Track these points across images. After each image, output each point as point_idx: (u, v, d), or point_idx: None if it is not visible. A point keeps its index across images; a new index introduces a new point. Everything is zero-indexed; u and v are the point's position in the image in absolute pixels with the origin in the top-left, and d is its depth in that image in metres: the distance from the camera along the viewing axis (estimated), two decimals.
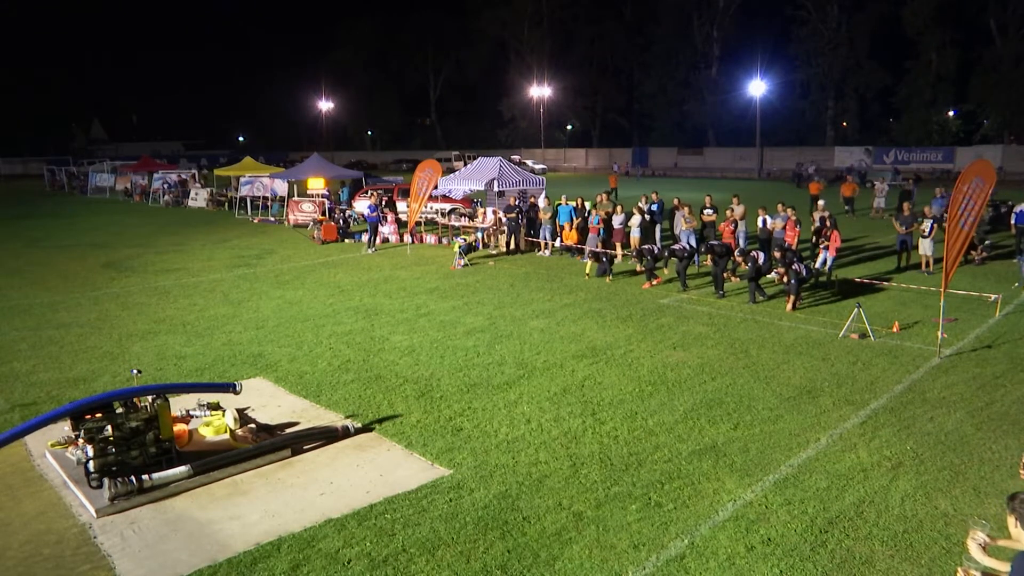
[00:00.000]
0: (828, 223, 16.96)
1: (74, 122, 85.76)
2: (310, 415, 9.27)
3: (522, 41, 78.37)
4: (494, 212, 23.11)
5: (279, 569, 6.06)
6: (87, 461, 7.24)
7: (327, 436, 8.49)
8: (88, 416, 7.25)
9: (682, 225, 19.00)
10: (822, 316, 13.67)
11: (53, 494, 7.40)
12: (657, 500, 7.04)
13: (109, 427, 7.30)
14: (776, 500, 6.99)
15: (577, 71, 74.40)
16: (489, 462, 7.89)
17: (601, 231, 19.73)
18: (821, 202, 19.67)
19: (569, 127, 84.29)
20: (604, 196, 22.05)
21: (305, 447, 8.28)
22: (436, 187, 24.93)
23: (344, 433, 8.58)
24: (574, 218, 20.80)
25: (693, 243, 18.75)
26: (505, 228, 21.85)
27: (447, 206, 26.76)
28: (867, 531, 6.45)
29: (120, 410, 7.39)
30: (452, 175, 26.95)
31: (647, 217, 20.24)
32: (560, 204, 21.51)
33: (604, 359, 11.33)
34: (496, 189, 23.83)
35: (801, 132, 67.31)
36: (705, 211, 19.62)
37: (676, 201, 20.31)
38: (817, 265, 16.31)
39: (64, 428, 8.10)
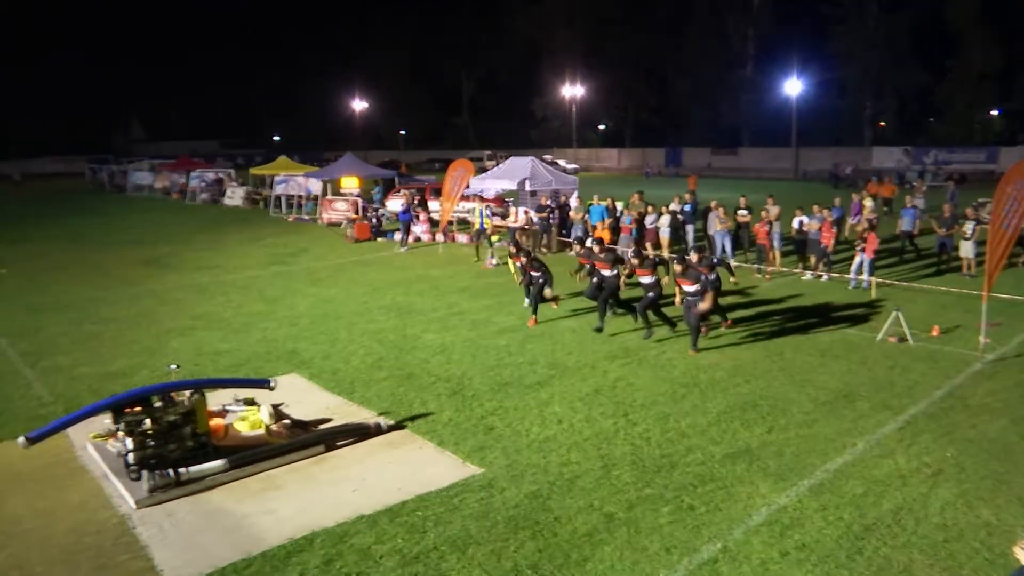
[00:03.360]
0: (866, 224, 16.69)
1: (114, 121, 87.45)
2: (343, 412, 9.35)
3: (555, 40, 78.19)
4: (526, 212, 23.10)
5: (312, 564, 6.13)
6: (127, 453, 7.37)
7: (360, 433, 8.57)
8: (128, 410, 7.39)
9: (716, 226, 18.81)
10: (859, 319, 13.45)
11: (94, 485, 7.57)
12: (690, 503, 6.98)
13: (148, 421, 7.43)
14: (811, 505, 6.90)
15: (610, 70, 73.99)
16: (520, 461, 7.89)
17: (634, 231, 19.62)
18: (869, 203, 19.29)
19: (602, 127, 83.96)
20: (637, 196, 21.92)
21: (338, 443, 8.35)
22: (468, 186, 25.03)
23: (376, 430, 8.64)
24: (606, 218, 20.71)
25: (728, 245, 18.54)
26: (537, 227, 21.83)
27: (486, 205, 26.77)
28: (905, 539, 6.33)
29: (158, 404, 7.52)
30: (484, 174, 27.01)
31: (679, 217, 20.10)
32: (592, 204, 21.43)
33: (636, 360, 11.27)
34: (528, 189, 23.82)
35: (838, 132, 66.22)
36: (739, 212, 19.40)
37: (713, 203, 20.11)
38: (853, 268, 16.05)
39: (105, 421, 8.25)
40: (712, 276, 11.96)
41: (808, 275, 17.08)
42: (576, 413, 9.20)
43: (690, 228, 20.37)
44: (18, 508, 7.11)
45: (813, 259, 17.21)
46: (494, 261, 19.50)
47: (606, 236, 20.40)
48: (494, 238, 21.12)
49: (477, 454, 8.07)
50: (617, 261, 12.95)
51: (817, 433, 8.50)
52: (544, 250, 21.43)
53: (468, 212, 26.29)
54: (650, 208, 20.31)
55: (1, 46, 74.07)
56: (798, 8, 65.83)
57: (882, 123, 67.07)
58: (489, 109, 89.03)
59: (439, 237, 23.24)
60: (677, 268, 11.65)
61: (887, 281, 15.64)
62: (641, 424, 8.83)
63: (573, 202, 22.95)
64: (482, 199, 26.30)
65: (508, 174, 24.98)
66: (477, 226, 20.88)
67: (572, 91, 70.98)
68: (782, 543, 6.29)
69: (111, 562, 6.20)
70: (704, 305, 11.44)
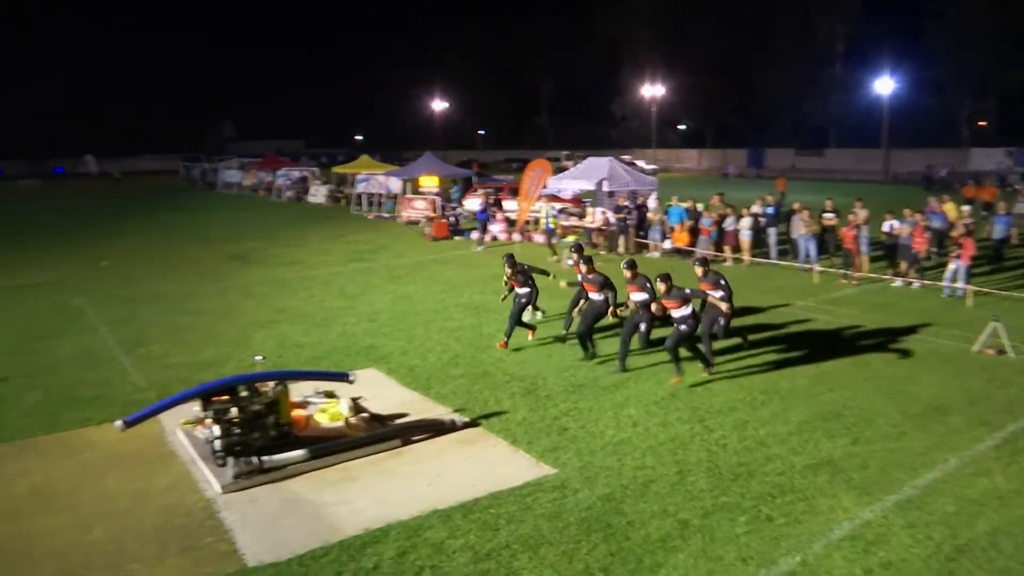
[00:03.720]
0: (963, 230, 15.90)
1: (208, 122, 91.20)
2: (419, 407, 9.49)
3: (636, 40, 77.37)
4: (603, 213, 22.95)
5: (387, 555, 6.24)
6: (214, 440, 7.68)
7: (435, 429, 8.68)
8: (215, 398, 7.70)
9: (800, 229, 18.26)
10: (953, 329, 12.82)
11: (183, 469, 7.90)
12: (768, 513, 6.80)
13: (234, 409, 7.72)
14: (897, 522, 6.61)
15: (691, 69, 72.67)
16: (594, 463, 7.84)
17: (713, 234, 19.24)
18: (966, 208, 18.35)
19: (682, 127, 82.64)
20: (717, 198, 21.49)
21: (414, 438, 8.49)
22: (546, 186, 25.05)
23: (451, 427, 8.74)
24: (685, 220, 20.39)
25: (813, 250, 17.97)
26: (614, 228, 21.68)
27: (556, 205, 26.76)
28: (1003, 564, 6.00)
29: (244, 394, 7.81)
30: (562, 174, 26.96)
31: (761, 220, 19.60)
32: (671, 205, 21.13)
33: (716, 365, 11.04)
34: (606, 189, 23.66)
35: (932, 132, 63.21)
36: (825, 215, 18.79)
37: (796, 205, 19.54)
38: (947, 276, 15.32)
39: (194, 408, 8.60)
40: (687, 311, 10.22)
41: (898, 282, 16.40)
42: (651, 417, 9.09)
43: (772, 231, 19.84)
44: (114, 487, 7.49)
45: (904, 265, 16.50)
46: (569, 262, 19.43)
47: (684, 238, 20.14)
48: (570, 238, 21.08)
49: (551, 454, 8.07)
50: (606, 286, 11.05)
51: (905, 447, 8.15)
52: (621, 252, 21.25)
53: (560, 213, 26.33)
54: (730, 210, 19.89)
55: (102, 49, 78.17)
56: (890, 4, 63.26)
57: (982, 123, 63.70)
58: (568, 109, 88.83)
59: (516, 236, 23.33)
60: (660, 287, 10.19)
61: (984, 290, 14.86)
62: (718, 431, 8.65)
63: (651, 203, 22.67)
64: (558, 199, 26.36)
65: (586, 174, 24.87)
66: (543, 226, 20.83)
67: (652, 91, 70.09)
68: (865, 560, 6.06)
69: (197, 544, 6.46)
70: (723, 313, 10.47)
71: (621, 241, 21.48)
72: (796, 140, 70.00)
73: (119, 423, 7.55)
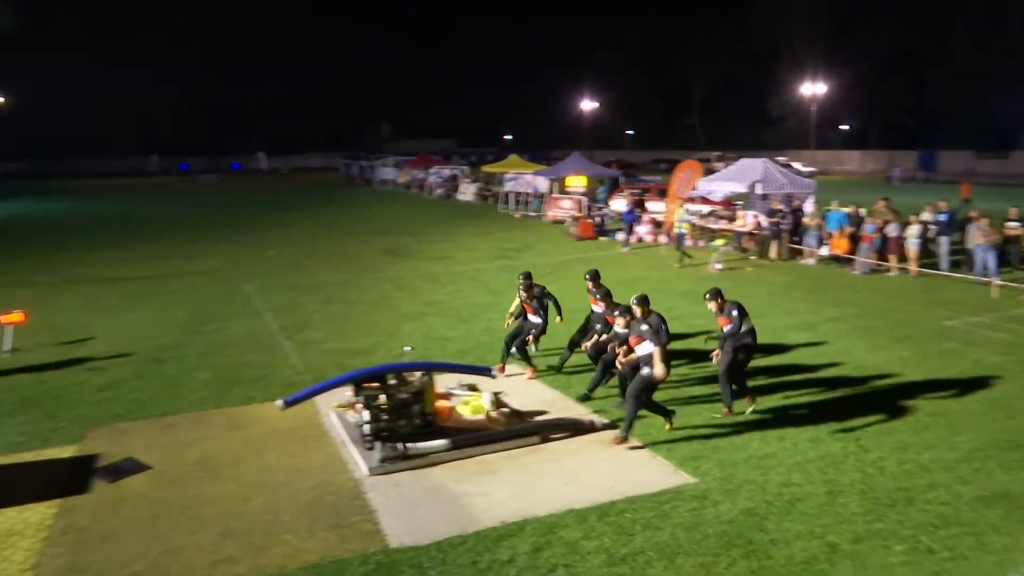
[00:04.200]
0: None
1: (367, 122, 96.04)
2: (559, 406, 9.53)
3: (796, 35, 73.84)
4: (754, 216, 22.10)
5: (521, 549, 6.31)
6: (363, 424, 8.07)
7: (574, 428, 8.69)
8: (366, 384, 8.08)
9: (978, 239, 16.76)
10: None
11: (334, 450, 8.35)
12: (928, 545, 6.29)
13: (383, 396, 8.08)
14: None
15: (856, 66, 68.38)
16: (736, 476, 7.56)
17: (876, 241, 18.05)
18: None
19: (845, 127, 78.06)
20: (883, 203, 20.14)
21: (552, 436, 8.53)
22: (695, 188, 24.44)
23: (590, 427, 8.71)
24: (844, 226, 19.26)
25: (992, 262, 16.45)
26: (766, 233, 20.81)
27: (705, 208, 26.08)
28: None
29: (393, 382, 8.15)
30: (712, 176, 26.21)
31: (933, 228, 18.17)
32: (830, 210, 20.02)
33: (873, 382, 10.36)
34: (759, 192, 22.77)
35: None
36: (1009, 224, 17.14)
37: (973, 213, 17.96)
38: None
39: (346, 393, 9.07)
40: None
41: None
42: (801, 432, 8.65)
43: (944, 240, 18.34)
44: (273, 462, 8.04)
45: None
46: (718, 266, 18.89)
47: (843, 245, 19.03)
48: (719, 242, 20.46)
49: (691, 463, 7.86)
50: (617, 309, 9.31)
51: None
52: (772, 258, 20.37)
53: (693, 214, 25.68)
54: (895, 216, 18.57)
55: (276, 57, 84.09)
56: None
57: None
58: (720, 108, 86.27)
59: (662, 239, 22.93)
60: (619, 321, 8.93)
61: None
62: (875, 451, 8.10)
63: (808, 207, 21.57)
64: (708, 201, 25.64)
65: (738, 176, 24.03)
66: (676, 230, 20.23)
67: (812, 89, 66.61)
68: None
69: (345, 521, 6.81)
70: (658, 371, 8.16)
71: (773, 247, 20.59)
72: (977, 142, 64.16)
73: (279, 403, 8.11)
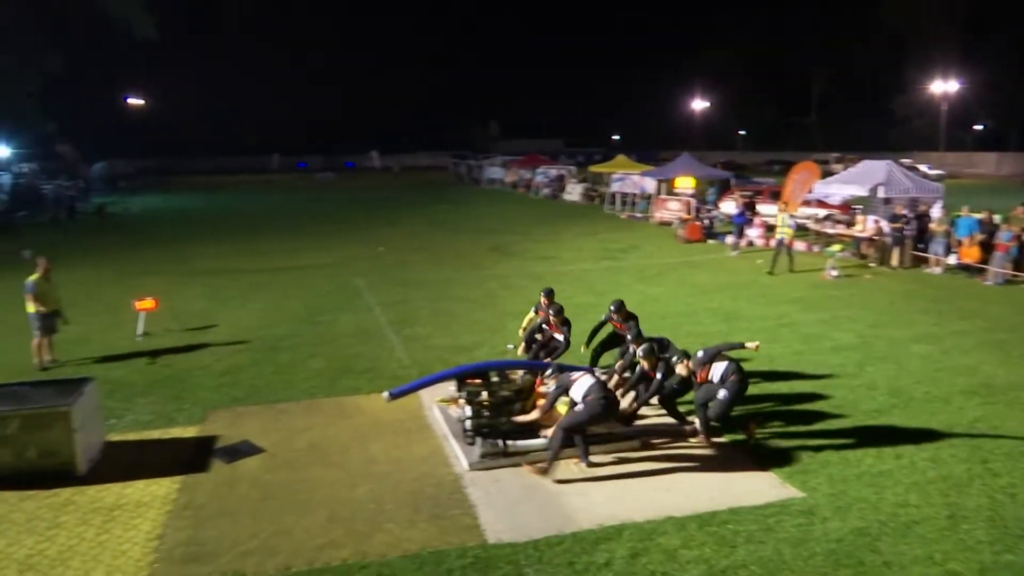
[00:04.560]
0: None
1: (476, 122, 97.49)
2: (659, 410, 9.36)
3: (927, 30, 69.59)
4: (875, 221, 21.01)
5: (619, 554, 6.24)
6: (465, 420, 8.19)
7: (675, 434, 8.52)
8: (469, 381, 8.21)
9: None
10: None
11: (436, 443, 8.52)
12: None
13: (485, 393, 8.18)
14: None
15: (994, 62, 63.70)
16: (848, 492, 7.22)
17: (1012, 250, 16.81)
18: None
19: (979, 127, 73.00)
20: (1021, 209, 18.73)
21: (652, 440, 8.40)
22: (811, 191, 23.49)
23: (691, 433, 8.52)
24: (975, 233, 18.02)
25: None
26: (888, 239, 19.75)
27: (822, 211, 25.04)
28: None
29: (495, 379, 8.24)
30: (831, 178, 25.13)
31: None
32: (960, 216, 18.79)
33: (1003, 400, 9.65)
34: (881, 195, 21.63)
35: None
36: None
37: None
38: None
39: (449, 388, 9.24)
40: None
41: None
42: (920, 450, 8.16)
43: None
44: (378, 452, 8.28)
45: None
46: (834, 272, 18.07)
47: (974, 254, 17.86)
48: (835, 247, 19.58)
49: (799, 476, 7.56)
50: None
51: None
52: (894, 265, 19.31)
53: (806, 219, 24.72)
54: None
55: (389, 58, 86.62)
56: None
57: None
58: (839, 108, 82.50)
59: (774, 243, 22.13)
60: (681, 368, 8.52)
61: None
62: (1005, 476, 7.54)
63: (935, 212, 20.31)
64: (825, 204, 24.62)
65: (859, 179, 22.93)
66: (778, 235, 19.27)
67: (943, 87, 62.60)
68: None
69: (445, 513, 6.94)
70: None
71: (895, 254, 19.50)
72: None
73: (386, 395, 8.35)
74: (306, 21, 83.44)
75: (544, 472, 7.60)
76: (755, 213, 25.54)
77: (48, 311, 11.49)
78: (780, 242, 19.02)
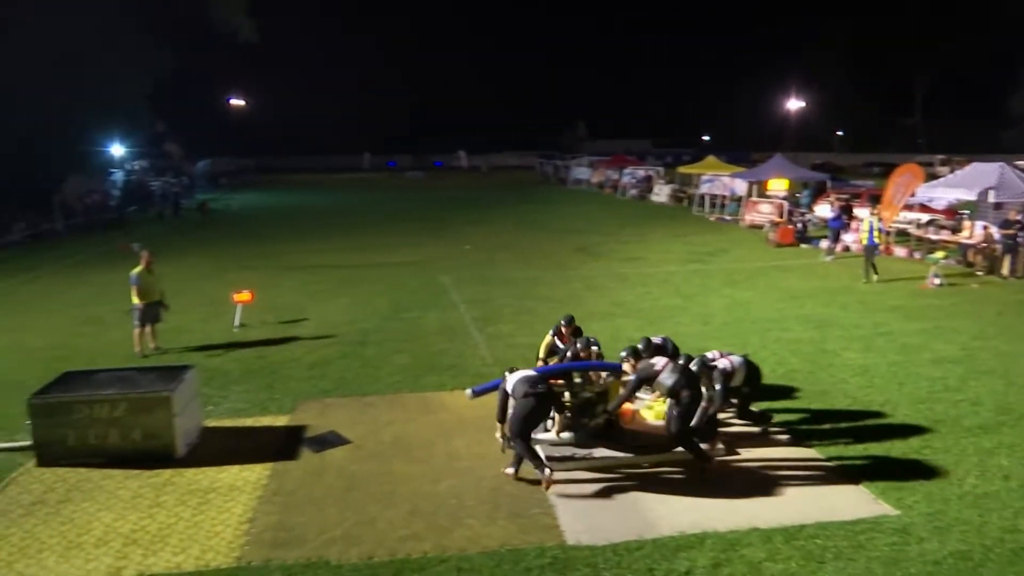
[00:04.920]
0: None
1: (564, 122, 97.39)
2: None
3: None
4: (985, 227, 19.84)
5: (700, 563, 6.11)
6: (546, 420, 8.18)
7: (760, 442, 8.28)
8: (552, 381, 8.18)
9: None
10: None
11: None
12: None
13: (567, 394, 8.15)
14: None
15: None
16: (948, 513, 6.84)
17: None
18: None
19: None
20: None
21: (739, 450, 8.19)
22: (914, 194, 22.41)
23: (776, 442, 8.26)
24: None
25: None
26: (998, 247, 18.62)
27: (925, 216, 23.84)
28: None
29: (578, 381, 8.20)
30: (936, 182, 23.88)
31: None
32: None
33: None
34: (992, 200, 20.40)
35: None
36: None
37: None
38: None
39: None
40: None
41: None
42: None
43: None
44: (460, 448, 8.37)
45: None
46: (937, 280, 17.18)
47: None
48: (939, 254, 18.62)
49: (893, 493, 7.22)
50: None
51: None
52: (1004, 274, 18.20)
53: (909, 223, 23.61)
54: None
55: (478, 59, 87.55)
56: None
57: None
58: (947, 107, 78.30)
59: (882, 246, 21.22)
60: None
61: None
62: None
63: None
64: (928, 209, 23.45)
65: (967, 182, 21.69)
66: (865, 240, 18.20)
67: None
68: None
69: (524, 512, 6.96)
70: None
71: (1006, 262, 18.36)
72: None
73: (469, 392, 8.44)
74: (398, 22, 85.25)
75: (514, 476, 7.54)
76: (852, 217, 24.55)
77: (149, 302, 12.11)
78: (871, 248, 18.11)
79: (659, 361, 7.85)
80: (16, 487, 7.61)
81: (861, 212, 25.04)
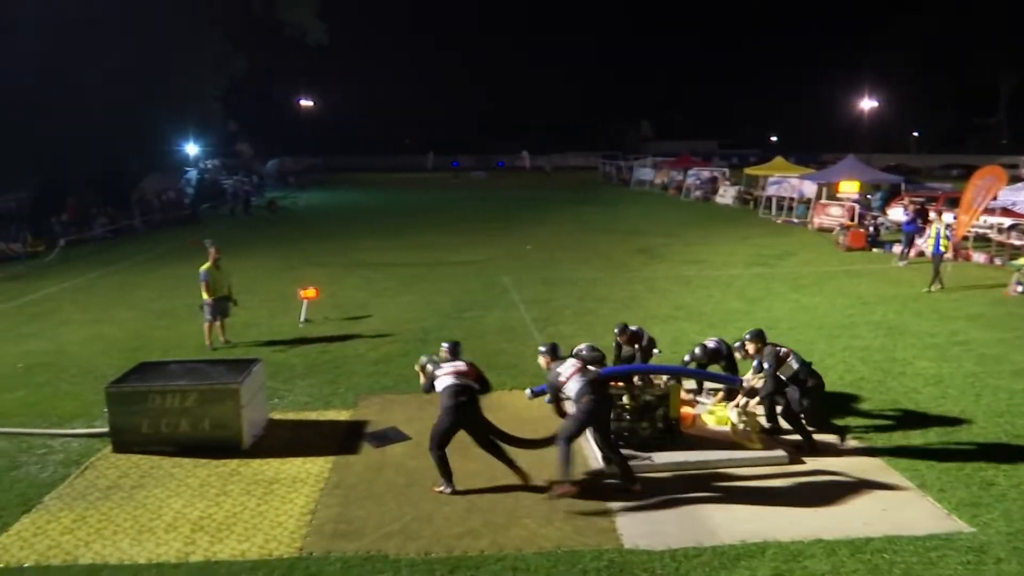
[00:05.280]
0: None
1: (628, 122, 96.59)
2: (812, 426, 8.87)
3: None
4: None
5: (761, 573, 5.98)
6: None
7: (826, 451, 8.06)
8: (612, 384, 8.13)
9: None
10: None
11: (576, 443, 8.44)
12: None
13: (626, 397, 8.08)
14: None
15: None
16: None
17: None
18: None
19: None
20: None
21: (804, 459, 7.98)
22: (995, 198, 21.50)
23: (843, 452, 8.02)
24: None
25: None
26: None
27: (1007, 220, 22.83)
28: None
29: (638, 383, 8.11)
30: (1020, 184, 22.86)
31: None
32: None
33: None
34: None
35: None
36: None
37: None
38: None
39: None
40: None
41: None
42: None
43: None
44: (514, 449, 8.36)
45: None
46: (1020, 288, 16.42)
47: None
48: (1021, 261, 17.79)
49: (968, 509, 6.92)
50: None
51: None
52: None
53: (990, 228, 22.65)
54: None
55: (544, 59, 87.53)
56: None
57: None
58: None
59: (948, 255, 20.44)
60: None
61: None
62: None
63: None
64: (1011, 212, 22.49)
65: None
66: (931, 248, 17.24)
67: None
68: None
69: (581, 511, 6.93)
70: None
71: None
72: None
73: (528, 392, 8.45)
74: (463, 21, 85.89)
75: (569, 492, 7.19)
76: (928, 221, 23.65)
77: (217, 297, 12.48)
78: (938, 255, 17.19)
79: (566, 368, 7.47)
80: (94, 471, 7.95)
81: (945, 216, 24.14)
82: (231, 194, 41.21)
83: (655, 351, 10.07)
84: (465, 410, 7.32)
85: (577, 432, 7.33)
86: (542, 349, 8.06)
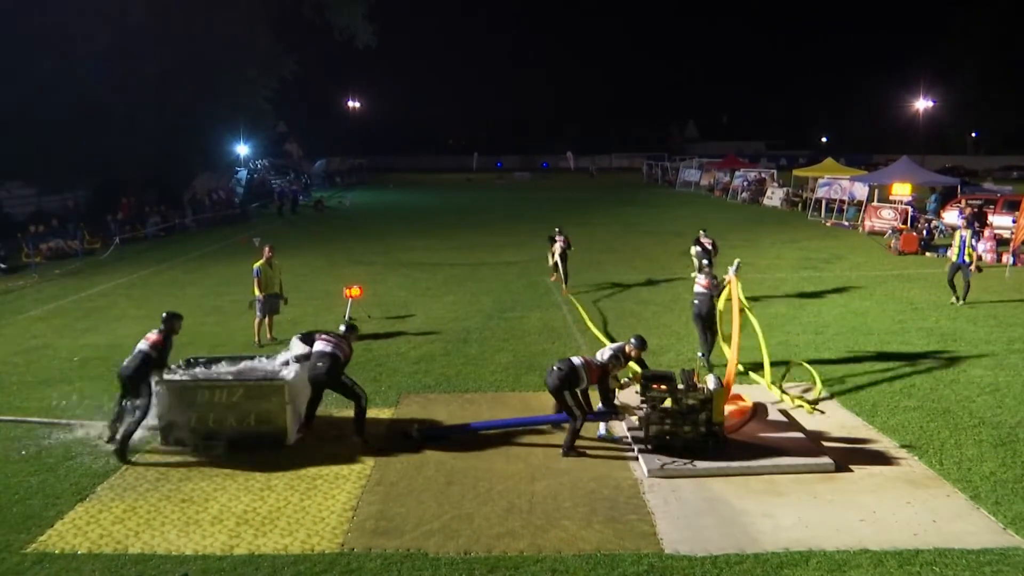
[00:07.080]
0: None
1: (673, 123, 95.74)
2: (861, 434, 8.70)
3: None
4: None
5: None
6: (647, 425, 8.05)
7: (874, 459, 7.87)
8: (655, 385, 8.05)
9: None
10: None
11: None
12: None
13: (669, 400, 7.99)
14: None
15: None
16: None
17: None
18: None
19: None
20: None
21: (851, 465, 7.81)
22: None
23: (892, 461, 7.82)
24: None
25: None
26: None
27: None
28: None
29: (682, 387, 8.02)
30: None
31: None
32: None
33: None
34: None
35: None
36: None
37: None
38: None
39: (634, 392, 9.11)
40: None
41: None
42: None
43: None
44: (558, 450, 8.34)
45: None
46: None
47: None
48: None
49: None
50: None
51: None
52: None
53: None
54: None
55: (592, 60, 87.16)
56: None
57: None
58: None
59: (1006, 258, 19.80)
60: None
61: None
62: None
63: None
64: None
65: None
66: (955, 257, 15.70)
67: None
68: None
69: (621, 517, 6.87)
70: None
71: None
72: None
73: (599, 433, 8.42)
74: (506, 23, 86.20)
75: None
76: (986, 224, 22.95)
77: (269, 294, 12.74)
78: (962, 265, 15.49)
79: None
80: (143, 463, 8.16)
81: (998, 220, 23.43)
82: (279, 193, 41.96)
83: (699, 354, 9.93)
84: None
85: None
86: (633, 342, 8.71)
